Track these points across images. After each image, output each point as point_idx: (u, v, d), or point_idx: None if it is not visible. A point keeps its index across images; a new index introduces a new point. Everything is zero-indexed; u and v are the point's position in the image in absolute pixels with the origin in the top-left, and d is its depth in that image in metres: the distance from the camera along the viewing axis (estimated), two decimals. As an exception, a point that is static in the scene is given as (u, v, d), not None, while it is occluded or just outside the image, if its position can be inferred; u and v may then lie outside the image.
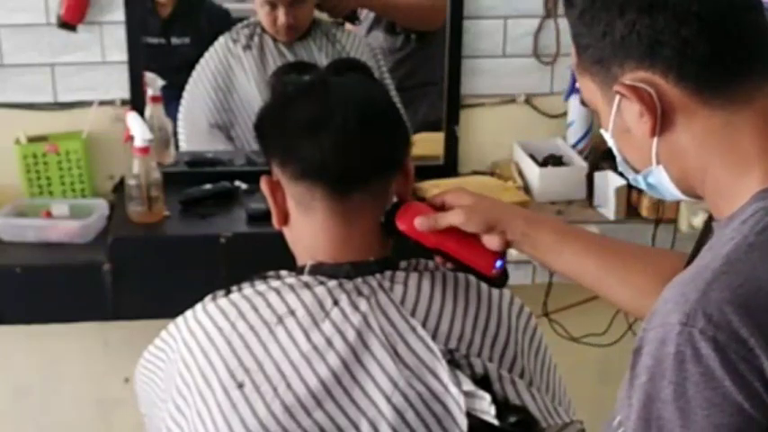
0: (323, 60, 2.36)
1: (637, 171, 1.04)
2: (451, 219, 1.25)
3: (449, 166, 2.38)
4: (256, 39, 2.45)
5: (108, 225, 2.14)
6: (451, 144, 2.38)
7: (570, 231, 1.32)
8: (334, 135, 1.22)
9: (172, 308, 1.39)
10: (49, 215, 2.16)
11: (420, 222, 1.25)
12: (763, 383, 0.84)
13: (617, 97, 0.98)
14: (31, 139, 2.24)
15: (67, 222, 2.13)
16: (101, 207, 2.18)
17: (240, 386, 1.18)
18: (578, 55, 1.03)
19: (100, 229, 2.14)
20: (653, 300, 0.94)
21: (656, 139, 0.98)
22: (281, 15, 2.41)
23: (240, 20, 2.49)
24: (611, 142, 1.05)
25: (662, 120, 0.96)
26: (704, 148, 0.96)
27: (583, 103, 1.08)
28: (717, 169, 0.97)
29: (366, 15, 2.54)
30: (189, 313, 1.29)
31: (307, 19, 2.47)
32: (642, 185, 1.06)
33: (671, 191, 1.03)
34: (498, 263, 1.26)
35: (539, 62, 2.37)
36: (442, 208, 1.28)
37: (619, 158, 1.07)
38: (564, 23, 2.33)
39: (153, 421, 1.37)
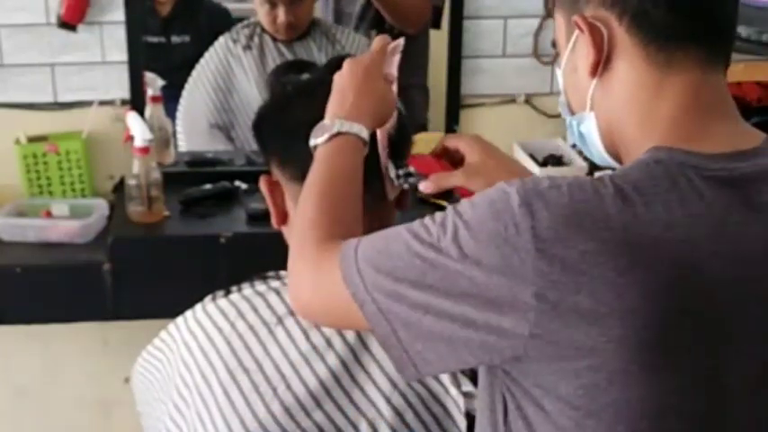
0: (323, 60, 2.36)
1: (573, 113, 1.07)
2: (454, 180, 1.26)
3: (449, 166, 2.38)
4: (256, 39, 2.45)
5: (108, 225, 2.14)
6: (451, 144, 2.38)
7: None
8: (333, 135, 1.22)
9: (172, 308, 1.39)
10: (49, 215, 2.16)
11: (425, 186, 1.26)
12: (509, 271, 0.88)
13: (575, 33, 1.00)
14: (31, 139, 2.24)
15: (67, 222, 2.13)
16: (101, 207, 2.18)
17: (240, 386, 1.18)
18: None
19: (100, 229, 2.14)
20: None
21: (594, 81, 1.00)
22: (281, 14, 2.41)
23: (240, 20, 2.49)
24: (560, 81, 1.09)
25: (604, 63, 0.98)
26: (630, 101, 0.98)
27: (553, 44, 1.10)
28: (631, 126, 0.98)
29: (350, 13, 2.53)
30: (188, 314, 1.29)
31: (306, 17, 2.47)
32: (575, 134, 1.08)
33: (597, 146, 1.04)
34: None
35: (539, 62, 2.37)
36: (456, 152, 1.30)
37: (561, 99, 1.10)
38: (564, 23, 2.33)
39: (149, 420, 1.37)
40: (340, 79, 1.20)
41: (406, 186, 1.25)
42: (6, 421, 2.46)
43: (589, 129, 1.04)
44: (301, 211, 1.12)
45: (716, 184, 0.92)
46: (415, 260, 0.94)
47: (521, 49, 2.36)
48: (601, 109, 1.01)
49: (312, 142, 1.16)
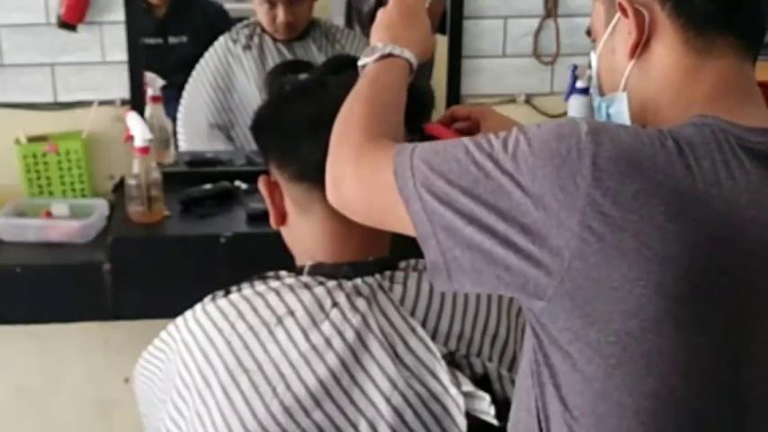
0: (323, 60, 2.36)
1: (603, 95, 1.09)
2: None
3: (449, 165, 2.38)
4: (256, 39, 2.46)
5: (108, 225, 2.14)
6: (451, 144, 2.38)
7: None
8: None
9: (172, 308, 1.39)
10: (49, 215, 2.16)
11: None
12: (564, 195, 0.89)
13: (616, 16, 1.03)
14: (31, 139, 2.24)
15: (67, 222, 2.12)
16: (101, 207, 2.17)
17: (239, 386, 1.18)
18: None
19: (100, 229, 2.13)
20: None
21: (632, 63, 1.02)
22: (281, 13, 2.41)
23: (239, 19, 2.49)
24: (594, 64, 1.11)
25: (643, 45, 1.01)
26: (667, 83, 1.01)
27: (588, 33, 1.13)
28: (666, 106, 1.01)
29: (362, 11, 2.53)
30: (188, 314, 1.29)
31: (305, 17, 2.47)
32: (602, 116, 1.10)
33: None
34: None
35: (539, 62, 2.37)
36: (466, 118, 1.34)
37: (594, 82, 1.13)
38: (564, 23, 2.33)
39: (152, 421, 1.37)
40: (387, 13, 1.26)
41: None
42: (6, 421, 2.46)
43: (619, 109, 1.06)
44: (347, 112, 1.13)
45: (755, 156, 0.94)
46: (470, 167, 0.94)
47: (521, 49, 2.36)
48: (635, 90, 1.04)
49: (361, 62, 1.19)
